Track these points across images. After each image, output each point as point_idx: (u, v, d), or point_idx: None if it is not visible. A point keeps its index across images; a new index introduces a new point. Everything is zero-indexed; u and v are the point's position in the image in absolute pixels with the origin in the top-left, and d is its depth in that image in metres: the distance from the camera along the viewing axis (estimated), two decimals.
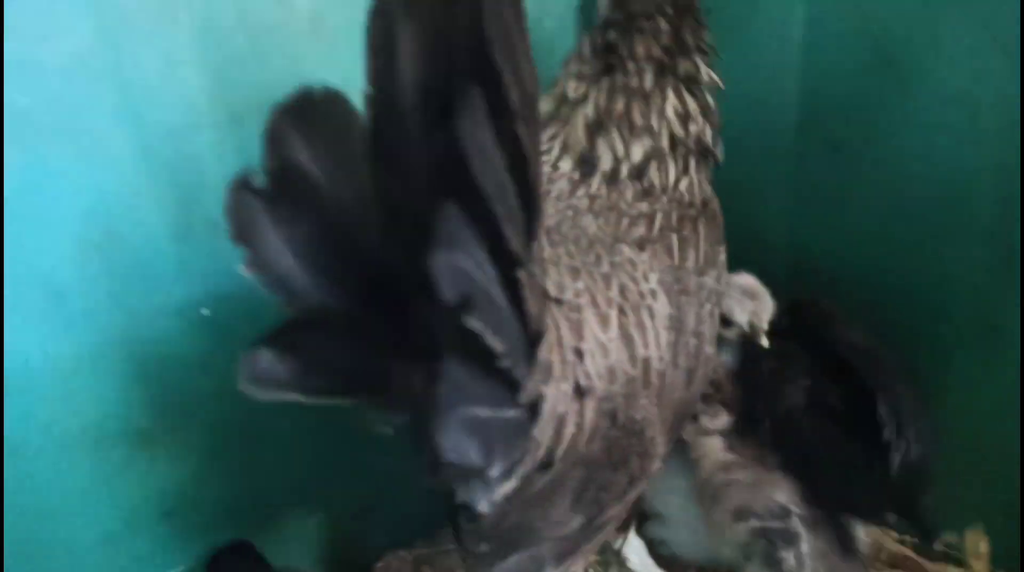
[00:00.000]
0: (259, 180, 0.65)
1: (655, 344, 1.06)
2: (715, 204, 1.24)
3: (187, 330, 1.12)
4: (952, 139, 1.16)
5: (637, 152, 1.17)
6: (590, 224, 1.12)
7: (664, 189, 1.18)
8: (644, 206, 1.16)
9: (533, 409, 0.89)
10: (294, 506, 1.38)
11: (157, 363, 1.09)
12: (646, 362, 1.05)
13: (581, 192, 1.18)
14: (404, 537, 1.58)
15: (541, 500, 1.08)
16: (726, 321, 1.25)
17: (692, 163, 1.20)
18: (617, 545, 1.42)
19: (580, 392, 0.98)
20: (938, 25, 1.12)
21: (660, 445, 1.14)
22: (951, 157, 1.17)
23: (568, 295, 1.01)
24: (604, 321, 1.02)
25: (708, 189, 1.24)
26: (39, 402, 1.01)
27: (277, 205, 0.67)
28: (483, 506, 0.87)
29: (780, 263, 1.49)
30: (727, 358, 1.33)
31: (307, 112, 0.67)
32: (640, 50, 1.20)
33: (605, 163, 1.16)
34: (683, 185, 1.20)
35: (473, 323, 0.67)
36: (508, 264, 0.72)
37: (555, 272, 1.03)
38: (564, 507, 1.11)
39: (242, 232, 0.66)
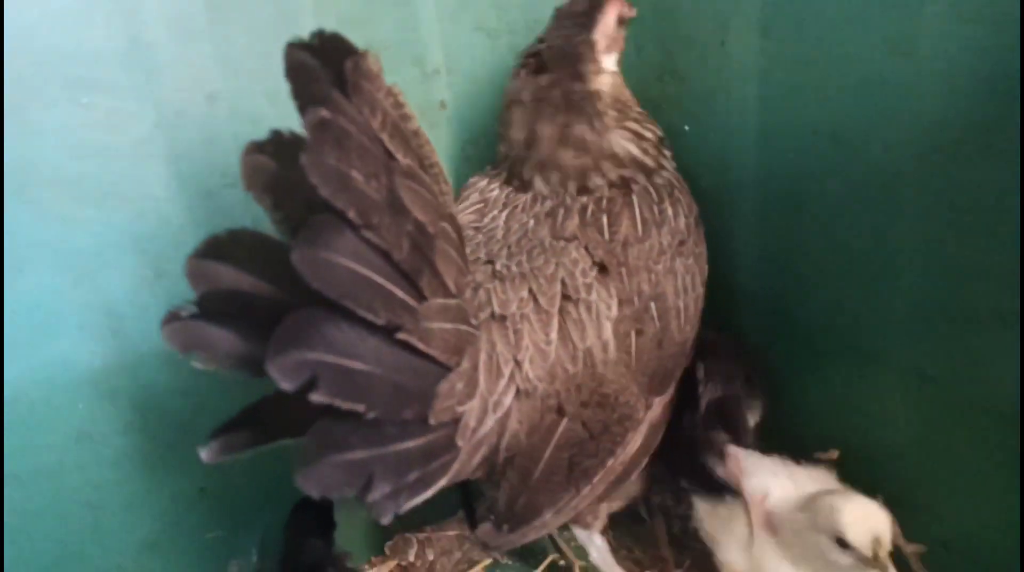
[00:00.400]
0: (186, 310, 0.89)
1: (596, 334, 1.25)
2: (660, 171, 1.43)
3: None
4: (880, 205, 1.28)
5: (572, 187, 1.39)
6: (545, 234, 1.33)
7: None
8: (583, 198, 1.36)
9: (456, 424, 1.09)
10: None
11: (193, 370, 1.37)
12: (588, 353, 1.24)
13: (539, 203, 1.40)
14: (414, 522, 1.81)
15: (543, 484, 1.29)
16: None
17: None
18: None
19: (521, 394, 1.18)
20: (868, 113, 1.24)
21: (639, 402, 1.33)
22: (881, 219, 1.29)
23: (512, 308, 1.21)
24: (545, 325, 1.22)
25: (649, 160, 1.43)
26: (102, 400, 1.31)
27: (211, 314, 0.90)
28: (386, 519, 1.02)
29: (750, 306, 1.63)
30: None
31: (215, 248, 0.92)
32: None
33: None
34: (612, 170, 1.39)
35: (318, 398, 0.86)
36: (387, 332, 0.93)
37: (501, 288, 1.23)
38: (561, 484, 1.31)
39: (186, 347, 0.90)
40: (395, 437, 1.01)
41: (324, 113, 0.87)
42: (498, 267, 1.28)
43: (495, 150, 1.69)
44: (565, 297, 1.26)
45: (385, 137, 0.96)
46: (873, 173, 1.26)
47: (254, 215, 1.31)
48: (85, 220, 1.22)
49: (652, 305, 1.32)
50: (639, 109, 1.50)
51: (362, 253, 0.89)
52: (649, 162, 1.43)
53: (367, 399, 0.93)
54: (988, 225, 1.14)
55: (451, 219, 1.08)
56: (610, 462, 1.36)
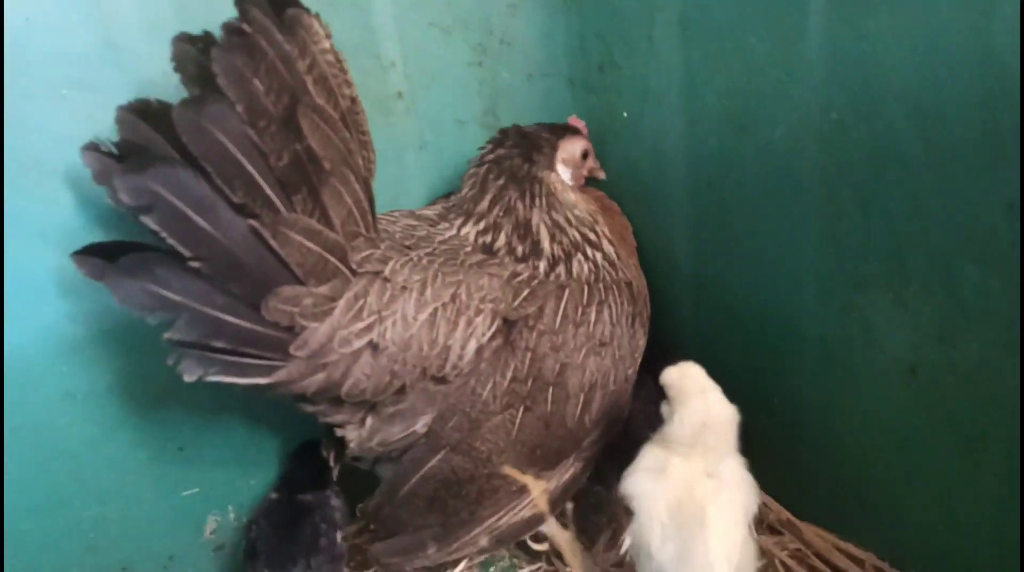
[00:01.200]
0: (106, 146, 1.06)
1: (460, 344, 1.35)
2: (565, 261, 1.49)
3: None
4: (784, 185, 1.41)
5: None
6: (472, 262, 1.43)
7: (527, 258, 1.47)
8: (521, 266, 1.46)
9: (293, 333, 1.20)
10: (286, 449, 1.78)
11: None
12: (446, 349, 1.34)
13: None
14: None
15: (404, 504, 1.44)
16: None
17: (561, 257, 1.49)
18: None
19: (374, 347, 1.28)
20: (768, 100, 1.38)
21: (513, 469, 1.44)
22: (786, 199, 1.41)
23: (399, 279, 1.31)
24: (420, 306, 1.32)
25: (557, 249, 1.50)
26: (86, 364, 1.43)
27: (125, 156, 1.06)
28: (188, 376, 1.16)
29: (685, 283, 1.76)
30: None
31: (142, 109, 1.09)
32: None
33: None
34: (545, 246, 1.48)
35: (148, 223, 1.03)
36: (243, 212, 1.08)
37: (401, 263, 1.33)
38: (422, 508, 1.45)
39: (97, 176, 1.07)
40: (219, 305, 1.13)
41: (246, 26, 1.04)
42: (412, 254, 1.38)
43: (451, 138, 1.82)
44: (453, 300, 1.35)
45: (309, 80, 1.12)
46: (775, 156, 1.39)
47: None
48: (66, 202, 1.35)
49: (550, 390, 1.41)
50: (578, 214, 1.57)
51: (239, 139, 1.05)
52: (555, 251, 1.49)
53: (195, 250, 1.07)
54: (864, 201, 1.26)
55: (364, 182, 1.23)
56: (490, 519, 1.50)
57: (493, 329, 1.38)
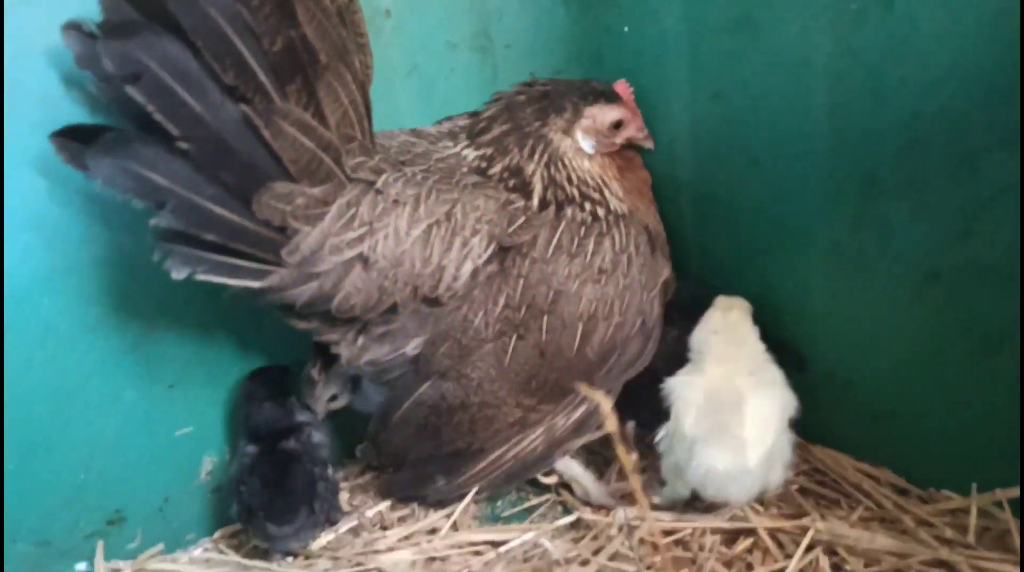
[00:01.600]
0: (87, 27, 1.01)
1: (456, 264, 1.31)
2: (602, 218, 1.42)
3: None
4: (793, 80, 1.35)
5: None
6: (468, 182, 1.38)
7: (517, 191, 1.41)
8: (516, 194, 1.40)
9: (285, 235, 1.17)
10: None
11: (158, 272, 1.25)
12: (439, 269, 1.30)
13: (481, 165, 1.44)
14: None
15: (397, 429, 1.44)
16: None
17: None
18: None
19: (365, 260, 1.25)
20: None
21: (509, 399, 1.41)
22: (795, 94, 1.35)
23: (392, 192, 1.27)
24: (413, 221, 1.27)
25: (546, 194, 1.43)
26: (67, 296, 1.35)
27: (108, 35, 1.00)
28: (175, 273, 1.13)
29: (689, 196, 1.69)
30: None
31: None
32: None
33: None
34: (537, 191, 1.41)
35: (135, 95, 0.99)
36: (234, 96, 1.04)
37: (394, 177, 1.29)
38: (412, 436, 1.44)
39: (80, 60, 1.02)
40: (209, 195, 1.09)
41: None
42: (407, 170, 1.33)
43: (442, 61, 1.74)
44: (448, 218, 1.31)
45: None
46: (786, 55, 1.33)
47: None
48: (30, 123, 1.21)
49: (544, 318, 1.36)
50: (583, 178, 1.47)
51: (230, 15, 1.00)
52: (546, 197, 1.42)
53: (182, 128, 1.03)
54: (878, 92, 1.21)
55: (361, 85, 1.18)
56: (496, 452, 1.48)
57: (490, 251, 1.34)
